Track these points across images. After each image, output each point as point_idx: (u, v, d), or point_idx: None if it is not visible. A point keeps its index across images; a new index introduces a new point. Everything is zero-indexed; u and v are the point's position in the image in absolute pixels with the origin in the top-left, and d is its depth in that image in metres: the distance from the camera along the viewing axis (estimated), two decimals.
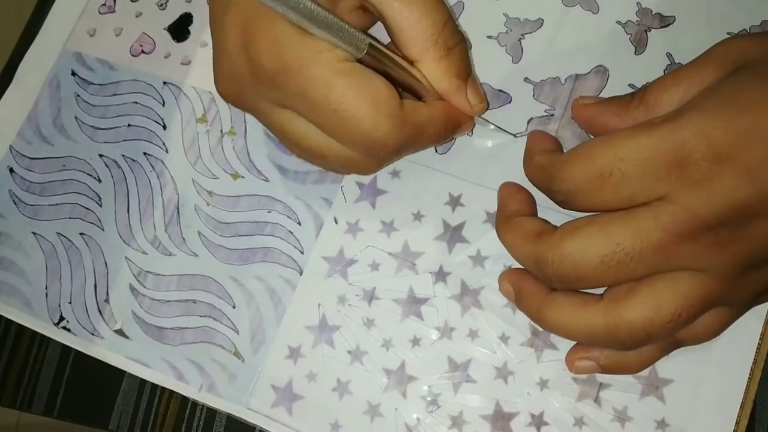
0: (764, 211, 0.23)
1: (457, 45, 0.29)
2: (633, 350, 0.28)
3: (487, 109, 0.33)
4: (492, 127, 0.33)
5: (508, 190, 0.31)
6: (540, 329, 0.31)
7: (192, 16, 0.38)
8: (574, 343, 0.29)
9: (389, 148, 0.28)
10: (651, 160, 0.24)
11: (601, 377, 0.30)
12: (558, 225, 0.27)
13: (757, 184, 0.23)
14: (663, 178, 0.24)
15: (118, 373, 0.34)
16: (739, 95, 0.24)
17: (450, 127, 0.30)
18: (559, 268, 0.25)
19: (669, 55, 0.33)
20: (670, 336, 0.26)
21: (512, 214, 0.29)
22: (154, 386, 0.34)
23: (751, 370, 0.30)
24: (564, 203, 0.26)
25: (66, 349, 0.35)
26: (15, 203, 0.36)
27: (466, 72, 0.30)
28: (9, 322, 0.36)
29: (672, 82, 0.27)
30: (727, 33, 0.33)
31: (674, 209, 0.24)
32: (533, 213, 0.30)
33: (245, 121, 0.35)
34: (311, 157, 0.30)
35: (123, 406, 0.34)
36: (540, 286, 0.28)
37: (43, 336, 0.35)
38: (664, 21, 0.34)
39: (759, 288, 0.26)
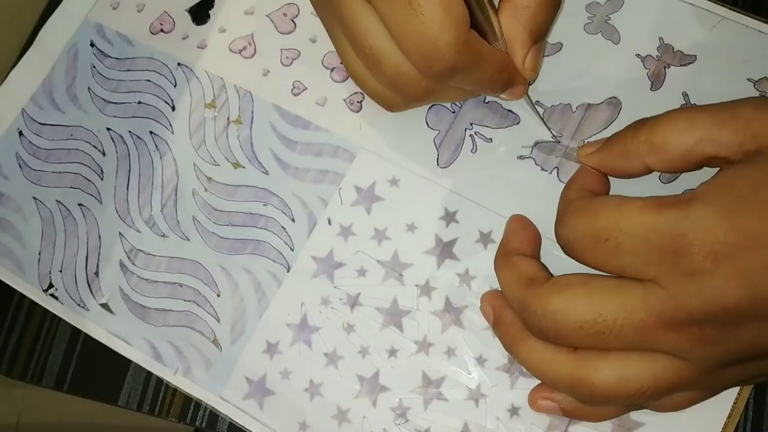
0: (756, 315, 0.22)
1: (543, 4, 0.29)
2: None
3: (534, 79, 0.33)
4: (535, 115, 0.33)
5: (516, 224, 0.31)
6: None
7: (213, 1, 0.38)
8: None
9: (445, 62, 0.26)
10: (647, 240, 0.23)
11: None
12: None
13: (750, 287, 0.22)
14: (654, 261, 0.23)
15: None
16: (753, 194, 0.23)
17: (503, 78, 0.29)
18: (541, 321, 0.25)
19: (685, 95, 0.33)
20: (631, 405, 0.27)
21: (513, 250, 0.29)
22: None
23: (726, 420, 0.29)
24: (563, 249, 0.26)
25: None
26: (20, 166, 0.37)
27: (539, 33, 0.29)
28: (23, 296, 0.36)
29: (685, 127, 0.26)
30: (747, 79, 0.32)
31: (664, 295, 0.23)
32: (535, 252, 0.30)
33: (252, 111, 0.35)
34: (365, 59, 0.29)
35: (133, 382, 0.34)
36: (518, 318, 0.28)
37: None
38: (685, 59, 0.33)
39: (736, 380, 0.26)
